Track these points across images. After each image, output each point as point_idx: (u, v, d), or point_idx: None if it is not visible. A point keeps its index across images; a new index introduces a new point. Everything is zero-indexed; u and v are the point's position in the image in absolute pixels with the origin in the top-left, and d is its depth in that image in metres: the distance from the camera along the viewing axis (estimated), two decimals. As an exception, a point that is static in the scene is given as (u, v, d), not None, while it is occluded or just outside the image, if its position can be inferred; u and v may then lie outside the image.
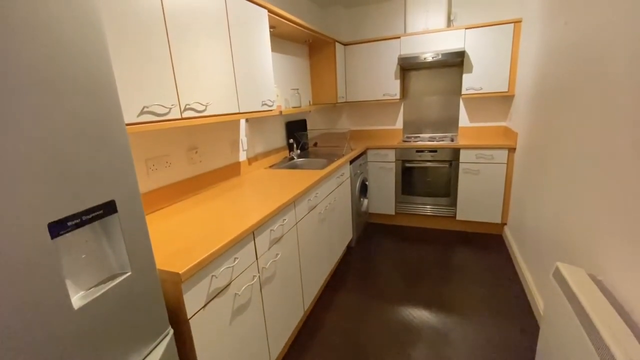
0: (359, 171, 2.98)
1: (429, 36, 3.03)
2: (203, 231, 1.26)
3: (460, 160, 2.95)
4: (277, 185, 1.89)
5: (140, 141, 1.51)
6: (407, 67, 3.31)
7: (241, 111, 1.74)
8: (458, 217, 3.08)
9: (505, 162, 2.78)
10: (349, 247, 2.96)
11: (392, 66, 3.25)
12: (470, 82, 3.00)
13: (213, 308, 1.13)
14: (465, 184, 2.98)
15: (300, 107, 2.76)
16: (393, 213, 3.35)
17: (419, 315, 2.01)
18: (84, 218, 0.69)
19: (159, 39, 1.22)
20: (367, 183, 3.30)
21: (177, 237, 1.23)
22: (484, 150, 2.84)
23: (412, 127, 3.66)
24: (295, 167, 2.63)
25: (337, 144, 3.46)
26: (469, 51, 2.94)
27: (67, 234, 0.67)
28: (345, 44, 3.35)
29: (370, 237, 3.19)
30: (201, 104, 1.45)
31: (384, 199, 3.36)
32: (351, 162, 2.74)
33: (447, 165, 3.04)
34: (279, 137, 2.76)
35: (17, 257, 0.58)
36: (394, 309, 2.08)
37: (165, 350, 0.92)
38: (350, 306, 2.13)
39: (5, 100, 0.57)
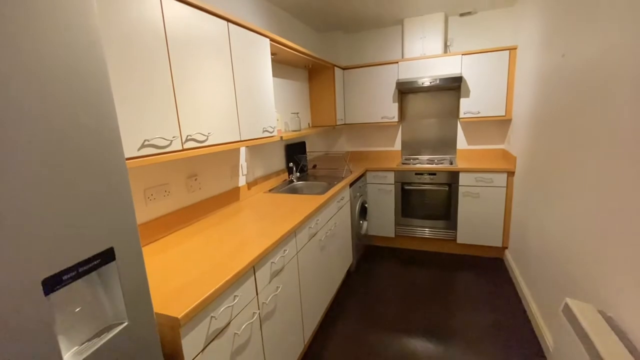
0: (358, 193, 2.96)
1: (427, 61, 3.09)
2: (202, 265, 1.22)
3: (460, 183, 2.94)
4: (277, 211, 1.86)
5: (139, 172, 1.48)
6: (405, 90, 3.36)
7: (242, 139, 1.73)
8: (459, 241, 3.05)
9: (505, 185, 2.78)
10: (348, 272, 2.90)
11: (390, 90, 3.29)
12: (467, 106, 3.04)
13: (212, 350, 1.08)
14: (465, 207, 2.97)
15: (300, 130, 2.76)
16: (393, 235, 3.32)
17: (422, 346, 1.94)
18: (80, 270, 0.66)
19: (161, 69, 1.22)
20: (366, 205, 3.28)
21: (176, 273, 1.18)
22: (483, 173, 2.84)
23: (411, 148, 3.68)
24: (295, 191, 2.60)
25: (336, 166, 3.45)
26: (465, 76, 2.99)
27: (62, 289, 0.63)
28: (344, 68, 3.40)
29: (370, 260, 3.14)
30: (203, 134, 1.44)
31: (383, 221, 3.32)
32: (351, 184, 2.73)
33: (446, 188, 3.03)
34: (278, 160, 2.74)
35: (5, 317, 0.54)
36: (395, 339, 2.00)
37: (160, 403, 0.86)
38: (350, 337, 2.06)
39: None
